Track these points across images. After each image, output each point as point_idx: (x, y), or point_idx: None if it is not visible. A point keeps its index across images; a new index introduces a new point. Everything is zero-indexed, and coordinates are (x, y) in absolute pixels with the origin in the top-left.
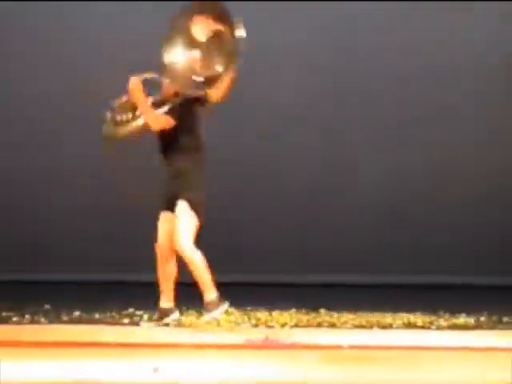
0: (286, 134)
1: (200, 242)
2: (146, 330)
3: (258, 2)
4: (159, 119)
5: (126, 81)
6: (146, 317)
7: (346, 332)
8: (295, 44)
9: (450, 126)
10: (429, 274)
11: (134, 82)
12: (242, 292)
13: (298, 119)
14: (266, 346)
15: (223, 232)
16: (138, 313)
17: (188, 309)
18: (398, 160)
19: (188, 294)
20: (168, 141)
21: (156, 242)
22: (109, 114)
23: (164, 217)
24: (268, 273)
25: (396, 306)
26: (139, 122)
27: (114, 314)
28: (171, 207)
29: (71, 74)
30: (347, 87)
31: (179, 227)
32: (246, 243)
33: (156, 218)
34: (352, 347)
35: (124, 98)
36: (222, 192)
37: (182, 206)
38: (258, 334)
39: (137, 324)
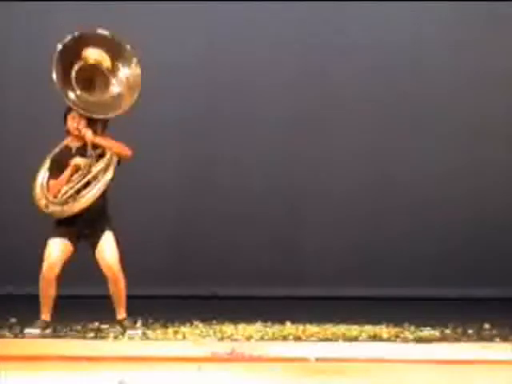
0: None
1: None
2: (112, 344)
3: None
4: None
5: None
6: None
7: (312, 345)
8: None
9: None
10: (394, 287)
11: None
12: (207, 305)
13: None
14: (232, 358)
15: (187, 245)
16: (104, 327)
17: (153, 322)
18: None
19: (153, 307)
20: None
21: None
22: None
23: None
24: (233, 286)
25: (362, 319)
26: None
27: (79, 327)
28: None
29: None
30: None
31: None
32: (211, 256)
33: None
34: (318, 360)
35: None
36: (185, 204)
37: None
38: (224, 347)
39: (102, 338)
